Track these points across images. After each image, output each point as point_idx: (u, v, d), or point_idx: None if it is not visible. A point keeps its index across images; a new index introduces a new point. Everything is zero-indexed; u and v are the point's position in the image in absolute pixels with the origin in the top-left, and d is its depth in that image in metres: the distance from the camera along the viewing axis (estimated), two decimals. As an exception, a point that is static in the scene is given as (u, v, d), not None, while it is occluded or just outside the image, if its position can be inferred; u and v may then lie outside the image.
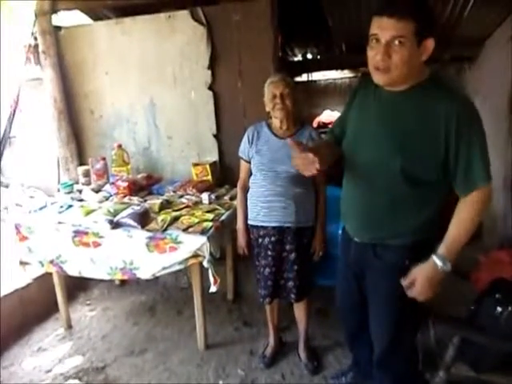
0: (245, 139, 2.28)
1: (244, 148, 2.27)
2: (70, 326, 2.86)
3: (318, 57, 4.60)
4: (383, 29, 1.34)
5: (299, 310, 2.39)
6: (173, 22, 2.96)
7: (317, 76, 5.35)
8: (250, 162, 2.26)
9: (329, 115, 5.18)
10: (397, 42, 1.33)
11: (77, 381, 2.37)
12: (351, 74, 5.10)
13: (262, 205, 2.17)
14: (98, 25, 3.17)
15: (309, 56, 4.65)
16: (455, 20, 3.54)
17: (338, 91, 5.32)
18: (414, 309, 1.59)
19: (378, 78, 1.44)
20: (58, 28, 3.20)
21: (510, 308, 1.62)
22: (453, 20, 3.55)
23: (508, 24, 3.33)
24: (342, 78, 5.14)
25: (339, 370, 2.35)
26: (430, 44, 1.36)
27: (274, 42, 2.86)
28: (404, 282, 1.49)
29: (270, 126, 2.24)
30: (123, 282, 3.40)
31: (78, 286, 3.27)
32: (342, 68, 4.81)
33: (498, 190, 3.59)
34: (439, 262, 1.42)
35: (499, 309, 1.65)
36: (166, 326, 2.88)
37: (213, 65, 2.96)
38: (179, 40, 2.98)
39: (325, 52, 4.52)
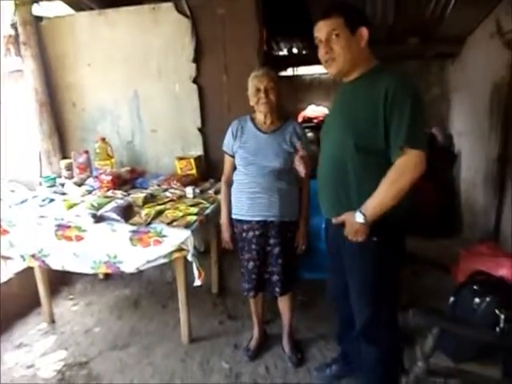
0: (229, 133, 2.27)
1: (228, 142, 2.27)
2: (52, 321, 2.84)
3: (304, 52, 4.61)
4: (319, 30, 1.66)
5: (283, 304, 2.40)
6: (157, 14, 2.92)
7: (302, 71, 5.36)
8: (233, 157, 2.26)
9: (313, 110, 5.20)
10: (333, 36, 1.61)
11: (59, 376, 2.36)
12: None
13: (245, 199, 2.18)
14: (80, 15, 3.12)
15: (294, 50, 4.65)
16: (438, 18, 3.59)
17: (323, 86, 5.34)
18: (390, 282, 1.75)
19: (329, 70, 1.72)
20: (39, 18, 3.13)
21: (487, 299, 1.66)
22: (435, 18, 3.61)
23: (490, 21, 3.39)
24: (326, 73, 5.11)
25: (323, 362, 2.38)
26: (364, 32, 1.63)
27: (259, 35, 2.85)
28: (334, 221, 1.74)
29: (253, 121, 2.24)
30: (107, 276, 3.38)
31: (60, 281, 3.24)
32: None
33: (479, 185, 3.67)
34: (357, 214, 1.62)
35: (477, 300, 1.68)
36: (150, 319, 2.88)
37: (197, 58, 2.94)
38: (163, 32, 2.95)
39: (310, 47, 4.52)
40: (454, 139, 4.53)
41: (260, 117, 2.20)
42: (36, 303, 2.89)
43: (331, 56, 1.65)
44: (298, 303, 2.89)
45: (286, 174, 2.17)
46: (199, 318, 2.81)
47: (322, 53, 1.68)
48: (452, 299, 1.82)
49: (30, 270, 2.74)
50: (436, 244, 3.40)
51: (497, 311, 1.63)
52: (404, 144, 1.52)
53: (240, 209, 2.21)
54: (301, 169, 1.93)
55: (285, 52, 4.64)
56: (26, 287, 2.90)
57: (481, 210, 3.67)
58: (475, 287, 1.72)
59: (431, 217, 3.85)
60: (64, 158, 3.25)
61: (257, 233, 2.18)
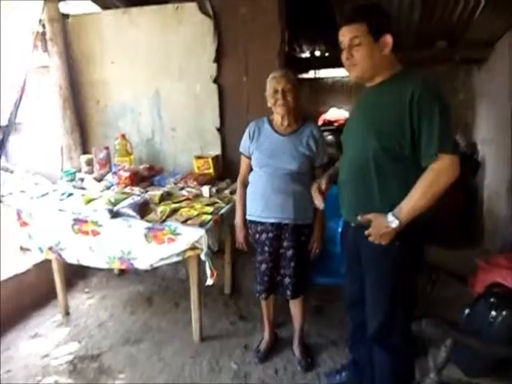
0: (246, 135, 2.27)
1: (245, 143, 2.27)
2: (67, 313, 2.89)
3: (326, 54, 4.58)
4: (343, 35, 1.65)
5: (295, 307, 2.39)
6: (180, 14, 2.95)
7: (324, 73, 5.33)
8: (250, 158, 2.25)
9: (334, 113, 5.16)
10: (355, 43, 1.60)
11: (71, 367, 2.39)
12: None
13: (260, 200, 2.17)
14: (105, 14, 3.17)
15: (317, 53, 4.62)
16: (465, 22, 3.51)
17: (344, 89, 5.28)
18: (408, 287, 1.74)
19: (350, 75, 1.73)
20: (66, 16, 3.20)
21: (504, 312, 1.61)
22: (463, 22, 3.53)
23: (519, 27, 3.30)
24: (348, 77, 5.07)
25: (333, 368, 2.36)
26: (388, 39, 1.60)
27: (280, 36, 2.84)
28: (360, 218, 1.69)
29: (271, 122, 2.23)
30: (122, 272, 3.42)
31: (77, 274, 3.29)
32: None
33: (502, 195, 3.57)
34: (389, 217, 1.59)
35: (493, 313, 1.64)
36: (162, 316, 2.89)
37: (218, 58, 2.95)
38: (186, 32, 2.97)
39: (333, 50, 4.49)
40: (478, 147, 4.42)
41: (277, 118, 2.18)
42: (53, 295, 2.94)
43: (352, 62, 1.65)
44: (312, 308, 2.87)
45: (302, 177, 2.15)
46: (211, 318, 2.81)
47: (344, 57, 1.67)
48: (467, 311, 1.78)
49: (47, 262, 2.79)
50: (456, 253, 3.32)
51: (513, 325, 1.59)
52: (438, 151, 1.51)
53: (254, 210, 2.20)
54: (318, 200, 1.88)
55: (307, 54, 4.62)
56: (43, 279, 2.96)
57: (503, 220, 3.57)
58: (492, 300, 1.68)
59: (453, 225, 3.77)
60: (85, 153, 3.30)
61: (270, 235, 2.17)
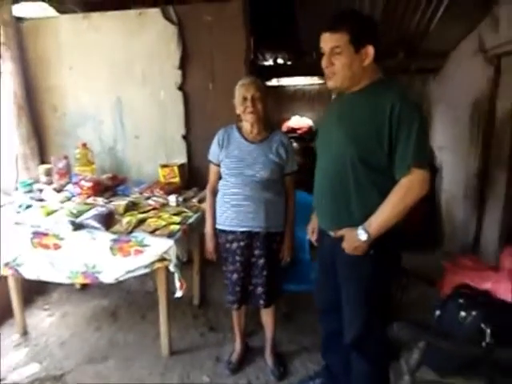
0: (215, 142, 2.23)
1: (214, 151, 2.23)
2: (25, 333, 2.72)
3: (289, 62, 4.63)
4: (324, 42, 1.61)
5: (267, 316, 2.36)
6: (143, 20, 2.89)
7: (286, 82, 5.38)
8: (219, 166, 2.22)
9: (297, 121, 5.22)
10: (336, 51, 1.57)
11: (32, 390, 2.25)
12: (320, 81, 5.16)
13: (231, 209, 2.14)
14: (63, 18, 3.05)
15: (279, 61, 4.67)
16: (422, 33, 3.64)
17: (307, 97, 5.37)
18: (384, 294, 1.76)
19: (328, 83, 1.70)
20: (21, 19, 3.05)
21: (473, 313, 1.66)
22: (419, 33, 3.66)
23: (472, 37, 3.46)
24: (311, 85, 5.18)
25: (306, 375, 2.35)
26: (370, 50, 1.58)
27: (246, 44, 2.84)
28: (333, 234, 1.74)
29: (240, 130, 2.21)
30: (84, 286, 3.27)
31: (35, 290, 3.11)
32: (312, 74, 4.87)
33: (459, 199, 3.72)
34: (359, 231, 1.61)
35: (463, 314, 1.69)
36: (128, 331, 2.79)
37: (184, 65, 2.91)
38: (149, 38, 2.91)
39: (295, 58, 4.55)
40: (436, 153, 4.59)
41: (247, 126, 2.16)
42: (8, 314, 2.77)
43: (331, 70, 1.62)
44: (282, 315, 2.85)
45: (273, 184, 2.14)
46: (180, 330, 2.73)
47: (323, 64, 1.64)
48: (438, 312, 1.82)
49: (1, 279, 2.63)
50: (419, 257, 3.41)
51: (482, 325, 1.63)
52: (412, 164, 1.52)
53: (225, 219, 2.17)
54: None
55: (270, 62, 4.65)
56: (-3, 297, 2.78)
57: (461, 224, 3.72)
58: (461, 301, 1.73)
59: (415, 229, 3.87)
60: (42, 162, 3.15)
61: (241, 244, 2.14)
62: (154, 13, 2.85)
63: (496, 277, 1.92)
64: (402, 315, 2.02)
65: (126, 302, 3.15)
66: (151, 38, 2.90)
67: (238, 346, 2.48)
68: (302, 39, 3.98)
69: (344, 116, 1.70)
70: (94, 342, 2.68)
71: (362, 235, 1.61)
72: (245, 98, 2.09)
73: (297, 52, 4.38)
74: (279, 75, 5.06)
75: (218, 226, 2.22)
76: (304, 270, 2.69)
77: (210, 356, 2.54)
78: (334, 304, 1.92)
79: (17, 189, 2.99)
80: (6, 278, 2.57)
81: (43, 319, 2.92)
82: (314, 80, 5.10)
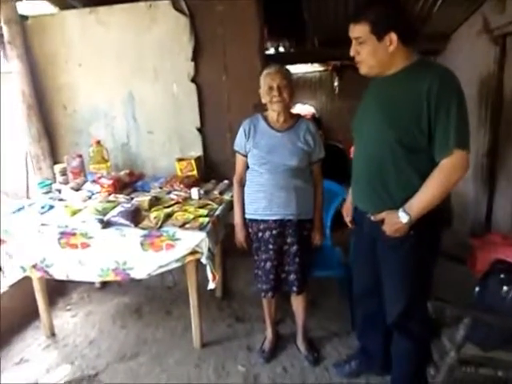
0: (241, 133, 2.22)
1: (240, 142, 2.22)
2: (52, 334, 2.70)
3: (291, 50, 4.62)
4: (350, 31, 1.66)
5: (298, 303, 2.38)
6: (153, 12, 2.83)
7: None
8: (246, 156, 2.21)
9: (300, 108, 5.21)
10: (360, 41, 1.62)
11: (68, 390, 2.25)
12: (322, 68, 5.16)
13: (262, 198, 2.14)
14: (69, 14, 2.97)
15: (281, 49, 4.65)
16: (425, 15, 3.66)
17: (309, 85, 5.35)
18: (425, 275, 1.78)
19: (359, 69, 1.72)
20: (25, 17, 2.98)
21: (515, 286, 1.70)
22: (423, 15, 3.68)
23: (475, 18, 3.49)
24: (312, 72, 5.18)
25: (339, 359, 2.38)
26: (392, 37, 1.58)
27: (259, 34, 2.81)
28: (373, 218, 1.76)
29: (266, 119, 2.20)
30: (104, 285, 3.25)
31: (55, 292, 3.08)
32: (314, 62, 4.87)
33: (469, 179, 3.77)
34: (400, 213, 1.63)
35: (505, 288, 1.72)
36: (155, 327, 2.78)
37: (196, 57, 2.86)
38: (160, 31, 2.86)
39: (297, 46, 4.54)
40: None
41: (273, 115, 2.15)
42: (33, 316, 2.76)
43: (358, 59, 1.67)
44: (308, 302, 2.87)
45: (301, 172, 2.15)
46: (207, 323, 2.73)
47: (351, 53, 1.68)
48: (477, 289, 1.85)
49: (24, 281, 2.60)
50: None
51: (526, 298, 1.67)
52: (453, 146, 1.52)
53: (256, 208, 2.17)
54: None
55: (271, 51, 4.63)
56: (20, 300, 2.76)
57: (472, 203, 3.78)
58: (502, 276, 1.76)
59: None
60: (55, 162, 3.10)
61: (274, 232, 2.15)
62: (165, 4, 2.80)
63: (529, 251, 1.97)
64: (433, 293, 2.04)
65: (148, 298, 3.14)
66: (162, 31, 2.85)
67: (269, 334, 2.50)
68: (303, 27, 3.97)
69: (381, 99, 1.71)
70: (122, 339, 2.68)
71: (404, 217, 1.62)
72: (271, 88, 2.07)
73: (299, 39, 4.37)
74: (281, 63, 5.04)
75: (249, 216, 2.23)
76: (326, 255, 2.72)
77: (241, 346, 2.56)
78: (372, 287, 1.96)
79: (27, 190, 2.94)
80: (27, 280, 2.54)
81: (67, 320, 2.90)
82: (316, 67, 5.11)
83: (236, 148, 2.25)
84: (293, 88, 2.14)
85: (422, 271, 1.75)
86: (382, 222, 1.73)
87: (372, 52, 1.62)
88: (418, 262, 1.73)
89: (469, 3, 3.44)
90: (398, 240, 1.70)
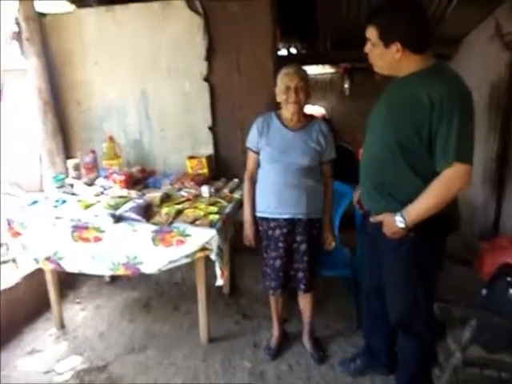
0: (254, 130, 2.25)
1: (253, 139, 2.25)
2: (62, 326, 2.75)
3: (302, 51, 4.64)
4: (366, 32, 1.67)
5: (305, 301, 2.41)
6: (168, 11, 2.88)
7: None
8: (258, 153, 2.24)
9: (310, 109, 5.23)
10: (371, 43, 1.65)
11: (78, 380, 2.29)
12: (333, 70, 5.19)
13: (273, 197, 2.17)
14: (86, 12, 3.03)
15: (292, 50, 4.68)
16: (438, 19, 3.67)
17: (319, 86, 5.38)
18: (427, 276, 1.76)
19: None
20: (43, 15, 3.04)
21: (523, 290, 1.72)
22: (435, 19, 3.69)
23: (488, 22, 3.49)
24: (323, 74, 5.21)
25: (345, 357, 2.40)
26: (397, 48, 1.59)
27: (272, 34, 2.85)
28: (372, 220, 1.79)
29: (279, 117, 2.23)
30: (113, 279, 3.30)
31: (65, 284, 3.13)
32: (326, 63, 4.90)
33: (477, 183, 3.77)
34: (397, 217, 1.64)
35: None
36: (163, 322, 2.82)
37: (209, 56, 2.91)
38: (174, 30, 2.91)
39: (309, 47, 4.56)
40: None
41: (287, 114, 2.18)
42: (44, 308, 2.82)
43: (369, 58, 1.72)
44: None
45: (312, 172, 2.18)
46: (214, 319, 2.75)
47: (366, 49, 1.71)
48: (484, 291, 1.87)
49: (36, 273, 2.66)
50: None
51: (532, 301, 1.69)
52: (453, 159, 1.51)
53: (267, 206, 2.20)
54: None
55: (283, 52, 4.66)
56: (32, 292, 2.81)
57: (480, 207, 3.78)
58: (509, 279, 1.78)
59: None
60: (68, 157, 3.15)
61: (284, 230, 2.18)
62: (179, 4, 2.84)
63: (537, 255, 1.98)
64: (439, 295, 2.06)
65: (157, 294, 3.19)
66: (176, 30, 2.90)
67: (276, 331, 2.53)
68: (315, 29, 3.99)
69: (390, 101, 1.74)
70: (130, 333, 2.72)
71: (400, 222, 1.64)
72: (288, 88, 2.10)
73: (311, 41, 4.40)
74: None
75: (259, 214, 2.26)
76: (334, 255, 2.73)
77: (248, 342, 2.58)
78: (378, 285, 1.98)
79: (41, 184, 3.00)
80: (39, 273, 2.60)
81: (77, 313, 2.95)
82: (327, 69, 5.13)
83: (248, 145, 2.28)
84: (309, 90, 2.18)
85: (422, 272, 1.75)
86: (382, 223, 1.75)
87: (380, 55, 1.66)
88: (418, 264, 1.73)
89: (482, 8, 3.45)
90: (397, 241, 1.72)
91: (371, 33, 1.64)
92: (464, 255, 2.37)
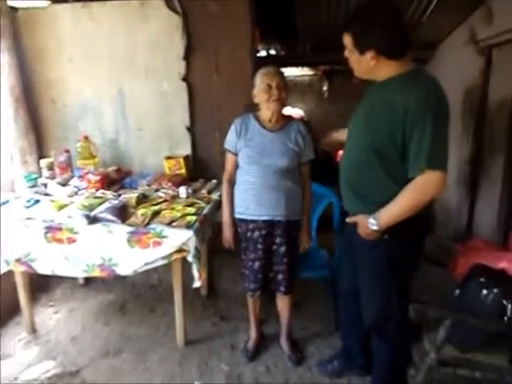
0: (232, 131, 2.23)
1: (231, 140, 2.23)
2: (34, 330, 2.67)
3: (282, 53, 4.65)
4: (343, 38, 1.67)
5: (284, 303, 2.40)
6: (146, 10, 2.83)
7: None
8: (236, 155, 2.23)
9: (289, 111, 5.24)
10: (348, 49, 1.67)
11: (49, 386, 2.23)
12: (311, 72, 5.22)
13: (252, 198, 2.16)
14: (61, 8, 2.95)
15: (272, 52, 4.68)
16: (414, 24, 3.73)
17: (298, 88, 5.38)
18: (401, 278, 1.77)
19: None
20: (15, 9, 2.95)
21: (494, 290, 1.75)
22: (412, 24, 3.74)
23: (463, 28, 3.57)
24: (302, 76, 5.23)
25: (322, 358, 2.40)
26: (371, 55, 1.59)
27: (251, 34, 2.84)
28: (348, 220, 1.82)
29: (257, 119, 2.22)
30: (88, 281, 3.23)
31: (38, 287, 3.04)
32: (305, 66, 4.92)
33: (451, 186, 3.85)
34: (371, 220, 1.66)
35: (484, 291, 1.77)
36: (139, 324, 2.78)
37: (188, 56, 2.87)
38: (152, 28, 2.86)
39: (288, 49, 4.57)
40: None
41: (267, 114, 2.17)
42: (14, 312, 2.73)
43: (351, 64, 1.72)
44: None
45: (291, 173, 2.18)
46: (191, 321, 2.72)
47: (345, 54, 1.72)
48: (458, 292, 1.90)
49: (7, 276, 2.56)
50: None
51: (504, 301, 1.73)
52: (425, 166, 1.51)
53: (246, 208, 2.19)
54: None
55: (263, 53, 4.66)
56: (2, 295, 2.70)
57: (454, 209, 3.85)
58: (481, 279, 1.81)
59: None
60: (41, 157, 3.07)
61: (263, 232, 2.17)
62: (157, 3, 2.80)
63: (509, 256, 2.03)
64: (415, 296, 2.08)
65: (133, 296, 3.13)
66: (154, 29, 2.86)
67: (253, 333, 2.51)
68: (297, 31, 4.00)
69: (367, 105, 1.76)
70: (105, 336, 2.66)
71: (372, 225, 1.66)
72: (269, 86, 2.10)
73: (290, 43, 4.41)
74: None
75: (238, 216, 2.24)
76: (311, 257, 2.74)
77: (225, 345, 2.56)
78: (355, 286, 1.98)
79: (13, 184, 2.90)
80: (7, 275, 2.51)
81: (49, 316, 2.87)
82: (306, 71, 5.15)
83: (226, 146, 2.26)
84: (288, 90, 2.18)
85: (397, 275, 1.75)
86: (357, 224, 1.77)
87: (357, 62, 1.68)
88: (393, 266, 1.74)
89: (457, 14, 3.52)
90: (372, 243, 1.73)
91: (347, 40, 1.65)
92: (439, 256, 2.41)
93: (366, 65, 1.64)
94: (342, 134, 2.04)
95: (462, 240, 2.89)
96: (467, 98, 3.63)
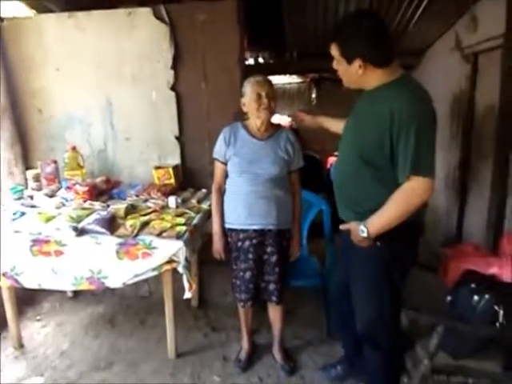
0: (220, 140, 2.22)
1: (220, 149, 2.22)
2: (21, 345, 2.60)
3: (270, 61, 4.67)
4: (330, 49, 1.69)
5: (276, 312, 2.37)
6: (133, 19, 2.82)
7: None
8: (225, 164, 2.22)
9: (278, 119, 5.24)
10: (336, 59, 1.68)
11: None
12: (300, 80, 5.24)
13: (242, 208, 2.14)
14: (46, 17, 2.93)
15: (260, 60, 4.70)
16: (401, 31, 3.77)
17: (287, 96, 5.42)
18: (393, 285, 1.76)
19: None
20: (0, 19, 2.92)
21: (486, 296, 1.75)
22: (399, 31, 3.79)
23: (449, 35, 3.62)
24: (290, 83, 5.26)
25: (315, 367, 2.38)
26: (358, 64, 1.60)
27: (239, 44, 2.84)
28: (341, 227, 1.81)
29: (246, 127, 2.21)
30: (76, 294, 3.17)
31: (24, 301, 2.98)
32: (293, 73, 4.94)
33: (441, 191, 3.88)
34: (361, 227, 1.66)
35: (476, 297, 1.77)
36: (129, 336, 2.73)
37: (176, 65, 2.86)
38: (140, 38, 2.85)
39: (276, 57, 4.59)
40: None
41: (255, 123, 2.16)
42: (0, 327, 2.66)
43: (339, 75, 1.73)
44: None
45: (282, 182, 2.17)
46: (182, 332, 2.69)
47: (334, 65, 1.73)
48: (449, 298, 1.90)
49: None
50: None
51: (496, 307, 1.73)
52: (410, 173, 1.52)
53: (236, 218, 2.17)
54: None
55: (251, 61, 4.67)
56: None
57: (443, 214, 3.88)
58: (473, 285, 1.81)
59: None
60: (27, 168, 3.02)
61: (254, 242, 2.15)
62: (145, 12, 2.79)
63: (500, 262, 2.04)
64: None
65: (122, 308, 3.08)
66: (142, 38, 2.84)
67: (245, 344, 2.49)
68: (285, 39, 4.02)
69: (356, 114, 1.79)
70: (95, 349, 2.61)
71: (363, 232, 1.66)
72: (259, 95, 2.09)
73: (278, 51, 4.43)
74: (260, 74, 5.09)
75: (229, 225, 2.22)
76: (303, 265, 2.72)
77: (217, 356, 2.53)
78: (344, 289, 1.96)
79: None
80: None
81: (37, 330, 2.81)
82: (294, 79, 5.18)
83: (215, 156, 2.25)
84: (276, 99, 2.18)
85: (389, 283, 1.75)
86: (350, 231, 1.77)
87: (344, 72, 1.69)
88: (385, 274, 1.74)
89: (442, 21, 3.57)
90: (364, 250, 1.73)
91: (334, 50, 1.66)
92: (429, 261, 2.41)
93: (355, 74, 1.65)
94: (313, 120, 2.16)
95: (451, 245, 2.91)
96: (455, 104, 3.67)
